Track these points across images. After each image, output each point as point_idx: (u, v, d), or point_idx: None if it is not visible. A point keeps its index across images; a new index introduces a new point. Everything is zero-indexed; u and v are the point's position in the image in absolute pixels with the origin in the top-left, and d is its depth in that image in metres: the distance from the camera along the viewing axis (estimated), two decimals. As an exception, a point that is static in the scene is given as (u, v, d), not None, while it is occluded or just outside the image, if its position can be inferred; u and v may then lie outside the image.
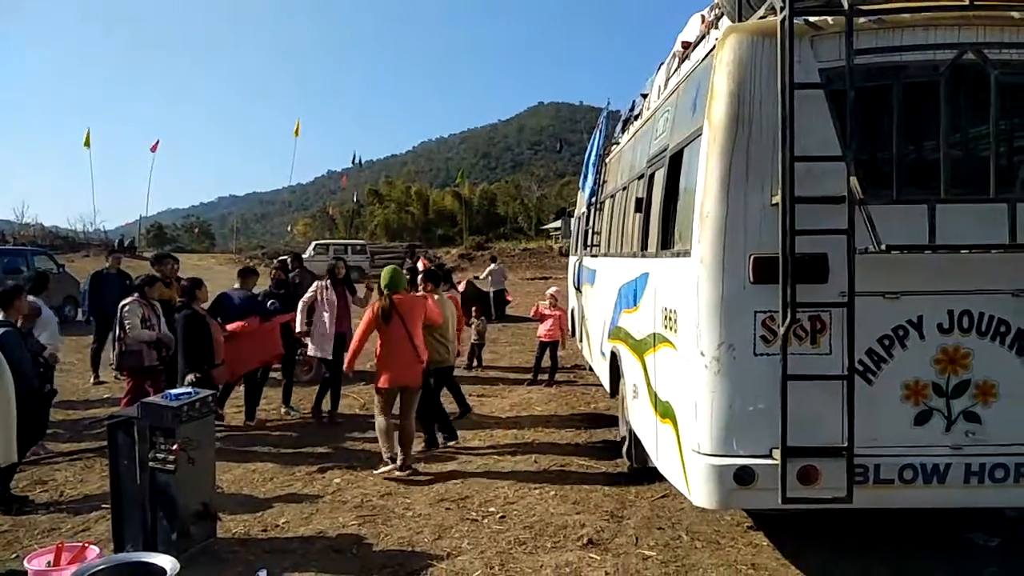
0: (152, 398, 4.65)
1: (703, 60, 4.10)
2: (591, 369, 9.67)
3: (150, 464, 4.24)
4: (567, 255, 14.25)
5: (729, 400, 3.59)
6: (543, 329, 9.84)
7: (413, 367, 5.91)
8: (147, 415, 4.30)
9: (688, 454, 3.78)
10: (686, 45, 5.16)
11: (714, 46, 3.83)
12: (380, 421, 5.92)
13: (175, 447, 4.18)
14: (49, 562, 3.70)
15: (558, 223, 44.05)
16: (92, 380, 9.66)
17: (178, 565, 3.57)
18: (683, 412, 3.91)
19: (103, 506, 5.01)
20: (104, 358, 9.19)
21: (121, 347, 6.61)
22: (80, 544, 3.91)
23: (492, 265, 18.07)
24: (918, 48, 3.54)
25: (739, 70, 3.64)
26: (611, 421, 7.56)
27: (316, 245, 32.84)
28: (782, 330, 3.41)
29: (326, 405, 7.69)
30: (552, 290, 10.34)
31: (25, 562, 3.70)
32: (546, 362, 9.88)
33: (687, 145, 4.22)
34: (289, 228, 65.02)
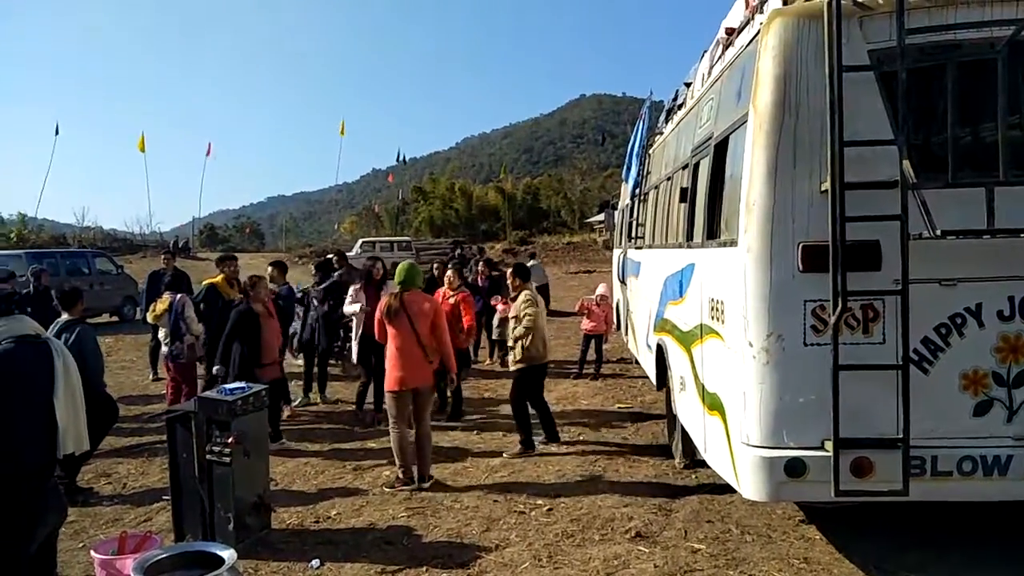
0: (208, 392, 4.79)
1: (748, 45, 4.02)
2: (637, 362, 9.61)
3: (207, 457, 4.38)
4: (610, 248, 14.15)
5: (779, 391, 3.53)
6: (587, 322, 9.81)
7: (422, 368, 5.57)
8: (203, 409, 4.44)
9: (737, 446, 3.74)
10: (730, 31, 5.06)
11: (759, 31, 3.75)
12: (393, 433, 5.56)
13: (231, 440, 4.30)
14: (114, 551, 3.85)
15: (602, 216, 43.83)
16: (151, 377, 9.99)
17: (235, 555, 3.67)
18: (731, 404, 3.86)
19: (164, 498, 5.19)
20: (160, 355, 9.50)
21: (180, 341, 6.81)
22: (143, 534, 4.07)
23: (531, 261, 18.02)
24: (973, 25, 3.42)
25: (785, 54, 3.57)
26: (658, 415, 7.50)
27: (363, 243, 33.28)
28: (833, 319, 3.34)
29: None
30: (602, 289, 10.22)
31: (92, 551, 3.86)
32: (592, 356, 9.85)
33: (732, 132, 4.15)
34: (336, 226, 66.02)
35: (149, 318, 7.22)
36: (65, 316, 5.62)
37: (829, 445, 3.36)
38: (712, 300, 4.28)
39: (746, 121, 3.77)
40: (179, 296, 6.96)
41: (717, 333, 4.16)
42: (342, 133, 47.62)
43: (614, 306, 10.95)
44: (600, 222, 44.37)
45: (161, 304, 6.82)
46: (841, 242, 3.30)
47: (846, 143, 3.29)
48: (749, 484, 3.63)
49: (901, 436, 3.31)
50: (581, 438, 6.81)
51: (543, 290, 17.38)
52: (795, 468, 3.46)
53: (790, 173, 3.54)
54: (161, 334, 7.05)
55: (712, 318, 4.27)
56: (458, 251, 15.06)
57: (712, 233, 4.50)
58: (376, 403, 7.70)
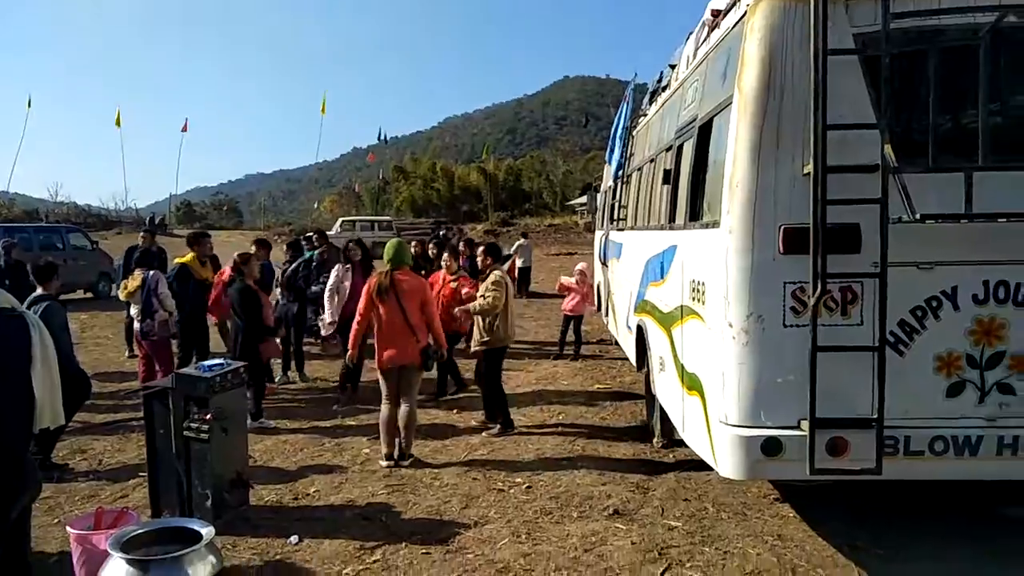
0: (186, 369, 4.74)
1: (734, 27, 4.02)
2: (616, 343, 9.67)
3: (184, 433, 4.34)
4: (593, 230, 14.18)
5: (757, 371, 3.57)
6: (567, 303, 9.85)
7: (410, 345, 5.56)
8: (181, 385, 4.39)
9: (715, 425, 3.78)
10: (716, 13, 5.04)
11: (745, 12, 3.75)
12: (382, 409, 5.61)
13: (208, 416, 4.27)
14: (89, 526, 3.81)
15: (584, 198, 43.79)
16: (126, 354, 9.88)
17: (213, 530, 3.65)
18: (710, 384, 3.89)
19: (140, 474, 5.15)
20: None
21: (151, 318, 6.73)
22: (119, 509, 4.03)
23: (522, 240, 17.97)
24: (957, 11, 3.43)
25: (771, 36, 3.57)
26: (637, 395, 7.57)
27: (343, 221, 33.03)
28: (812, 301, 3.37)
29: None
30: (581, 266, 10.30)
31: (67, 527, 3.82)
32: (571, 337, 9.90)
33: (717, 115, 4.16)
34: (316, 205, 65.40)
35: (121, 295, 7.12)
36: (39, 291, 5.52)
37: (805, 425, 3.41)
38: (693, 281, 4.31)
39: (731, 103, 3.77)
40: (152, 272, 6.86)
41: (698, 314, 4.19)
42: (323, 111, 47.16)
43: (595, 287, 10.99)
44: (582, 204, 44.39)
45: (133, 281, 6.72)
46: (822, 224, 3.32)
47: (829, 126, 3.30)
48: (726, 462, 3.68)
49: (875, 416, 3.37)
50: (560, 418, 6.85)
51: (526, 271, 17.43)
52: (771, 447, 3.51)
53: (773, 155, 3.56)
54: (134, 311, 6.94)
55: (693, 299, 4.29)
56: (441, 231, 14.98)
57: (695, 215, 4.52)
58: (354, 379, 7.70)
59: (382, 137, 69.43)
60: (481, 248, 7.01)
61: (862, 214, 3.43)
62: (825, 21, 3.30)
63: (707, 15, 5.31)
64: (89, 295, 16.47)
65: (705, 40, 5.20)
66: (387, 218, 38.79)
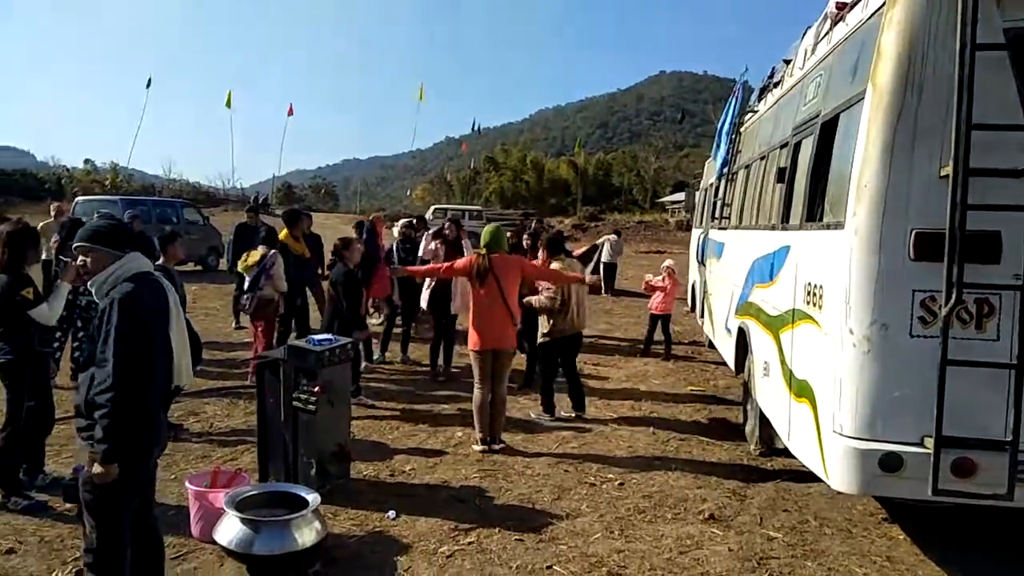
0: (297, 342, 4.94)
1: (868, 19, 3.82)
2: (711, 345, 9.45)
3: (293, 403, 4.52)
4: (686, 229, 13.87)
5: (878, 382, 3.41)
6: (654, 302, 9.71)
7: (506, 329, 5.64)
8: (292, 357, 4.58)
9: (827, 436, 3.63)
10: (841, 6, 4.83)
11: (883, 3, 3.56)
12: (476, 394, 5.66)
13: (317, 388, 4.43)
14: (207, 483, 4.04)
15: (676, 196, 42.94)
16: (233, 325, 10.39)
17: (319, 498, 3.82)
18: (824, 392, 3.74)
19: (248, 439, 5.42)
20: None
21: (253, 293, 7.02)
22: (233, 470, 4.26)
23: (614, 236, 17.73)
24: None
25: (911, 29, 3.38)
26: (731, 400, 7.38)
27: (435, 209, 33.63)
28: (944, 312, 3.18)
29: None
30: (668, 263, 10.13)
31: (187, 482, 4.06)
32: (660, 336, 9.73)
33: (844, 111, 3.97)
34: (408, 192, 66.85)
35: (240, 267, 7.46)
36: (160, 260, 5.86)
37: (929, 442, 3.22)
38: (809, 284, 4.14)
39: (862, 99, 3.60)
40: (272, 251, 7.15)
41: (812, 319, 4.03)
42: (420, 98, 47.96)
43: (689, 287, 10.79)
44: (674, 202, 43.57)
45: (253, 256, 7.04)
46: (960, 231, 3.13)
47: (974, 126, 3.10)
48: (839, 475, 3.53)
49: (1010, 439, 3.15)
50: (652, 417, 6.75)
51: (611, 268, 17.22)
52: (891, 463, 3.34)
53: (908, 155, 3.37)
54: (247, 285, 7.27)
55: (808, 303, 4.13)
56: (534, 223, 15.01)
57: (813, 215, 4.34)
58: (445, 359, 7.86)
59: (476, 128, 70.19)
60: (541, 243, 7.02)
61: (1003, 222, 3.21)
62: (975, 13, 3.10)
63: (830, 8, 5.09)
64: (199, 267, 17.40)
65: (827, 34, 4.99)
66: (478, 207, 39.23)
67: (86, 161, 45.75)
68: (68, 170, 42.97)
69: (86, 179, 39.64)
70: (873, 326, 3.40)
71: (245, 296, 7.17)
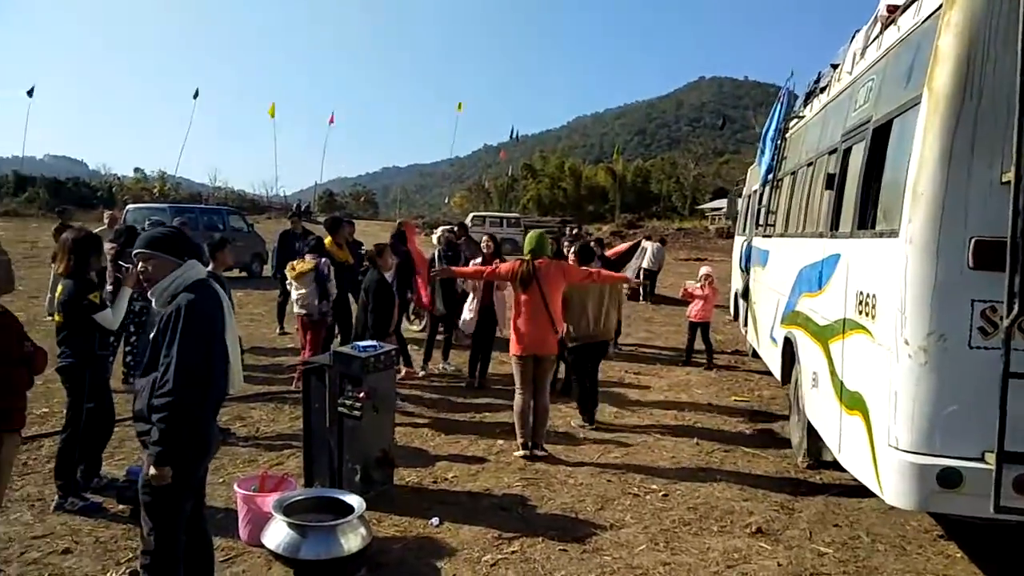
0: (343, 348, 4.99)
1: (924, 22, 3.72)
2: (754, 355, 9.30)
3: (338, 409, 4.56)
4: (727, 236, 13.68)
5: (936, 394, 3.31)
6: (692, 309, 9.59)
7: (548, 335, 5.61)
8: (338, 363, 4.63)
9: (882, 449, 3.53)
10: (892, 9, 4.72)
11: (940, 6, 3.46)
12: (517, 400, 5.66)
13: (362, 395, 4.47)
14: (255, 487, 4.10)
15: (716, 203, 42.45)
16: (277, 331, 10.54)
17: (364, 504, 3.84)
18: (877, 404, 3.64)
19: (293, 444, 5.49)
20: (288, 310, 9.95)
21: (327, 301, 7.10)
22: (280, 475, 4.31)
23: (657, 244, 17.55)
24: None
25: (971, 31, 3.29)
26: (776, 411, 7.24)
27: (473, 217, 33.76)
28: (1006, 322, 3.08)
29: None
30: (706, 270, 10.01)
31: (235, 486, 4.12)
32: (701, 345, 9.61)
33: (898, 116, 3.87)
34: (447, 200, 67.27)
35: (289, 275, 7.54)
36: (211, 267, 5.98)
37: (991, 457, 3.11)
38: (861, 294, 4.04)
39: (917, 104, 3.51)
40: (324, 260, 7.22)
41: (865, 329, 3.93)
42: (459, 108, 48.35)
43: (732, 296, 10.63)
44: (714, 209, 43.09)
45: (305, 265, 7.10)
46: (1023, 238, 3.03)
47: (1039, 131, 2.99)
48: (895, 490, 3.42)
49: (1078, 456, 3.03)
50: (696, 428, 6.66)
51: (650, 275, 17.06)
52: (950, 478, 3.23)
53: (966, 161, 3.28)
54: (294, 293, 7.34)
55: (859, 312, 4.03)
56: (573, 230, 14.97)
57: (864, 223, 4.24)
58: (482, 370, 7.87)
59: (514, 135, 70.35)
60: (572, 251, 6.99)
61: (1069, 230, 3.09)
62: (1039, 15, 3.00)
63: (881, 11, 4.98)
64: (244, 274, 17.74)
65: (877, 38, 4.88)
66: (515, 215, 39.30)
67: (136, 170, 47.28)
68: (119, 178, 44.37)
69: (136, 187, 40.90)
70: (930, 337, 3.31)
71: (322, 304, 7.15)
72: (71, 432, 4.38)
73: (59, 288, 4.45)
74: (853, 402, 4.03)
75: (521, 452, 5.61)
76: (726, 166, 58.95)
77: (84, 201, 35.81)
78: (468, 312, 7.97)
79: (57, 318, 4.43)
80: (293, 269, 7.12)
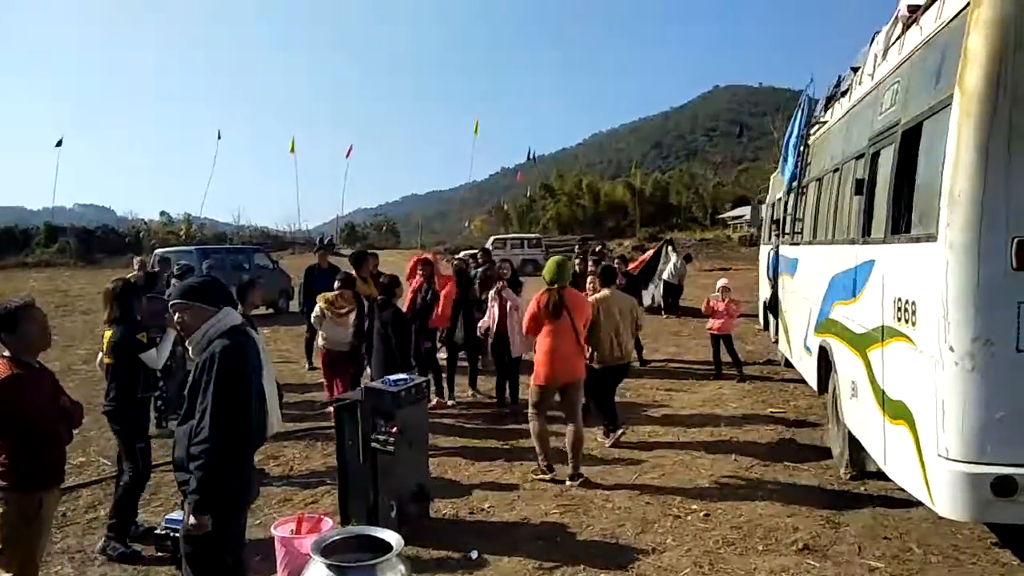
0: (373, 383, 4.96)
1: (951, 20, 3.65)
2: (787, 364, 9.13)
3: (372, 445, 4.53)
4: (751, 245, 13.53)
5: (985, 401, 3.20)
6: (712, 321, 9.47)
7: (577, 362, 5.62)
8: (369, 398, 4.60)
9: (931, 460, 3.41)
10: (913, 9, 4.65)
11: (967, 3, 3.39)
12: (534, 425, 5.60)
13: (394, 429, 4.44)
14: (292, 530, 4.07)
15: (737, 211, 42.12)
16: (307, 367, 10.56)
17: (403, 541, 3.78)
18: (923, 413, 3.53)
19: (327, 481, 5.46)
20: (315, 346, 9.96)
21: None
22: (317, 516, 4.28)
23: (680, 260, 17.34)
24: None
25: (1002, 28, 3.22)
26: (813, 421, 7.08)
27: (494, 240, 33.82)
28: (1055, 324, 2.97)
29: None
30: (722, 282, 9.89)
31: (272, 529, 4.10)
32: (728, 357, 9.45)
33: (928, 118, 3.79)
34: (467, 224, 67.51)
35: (327, 309, 7.54)
36: (240, 308, 5.99)
37: (1049, 464, 3.00)
38: (899, 300, 3.94)
39: (948, 105, 3.43)
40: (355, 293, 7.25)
41: (905, 336, 3.82)
42: (476, 132, 48.70)
43: (761, 306, 10.47)
44: (735, 218, 42.75)
45: (347, 303, 7.12)
46: (1067, 236, 2.93)
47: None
48: (947, 501, 3.31)
49: None
50: (733, 443, 6.53)
51: (675, 289, 16.88)
52: (1005, 487, 3.12)
53: (1003, 160, 3.20)
54: (324, 330, 7.32)
55: (898, 319, 3.93)
56: (598, 247, 14.87)
57: (898, 227, 4.14)
58: (512, 394, 7.80)
59: (531, 156, 70.61)
60: (596, 270, 6.93)
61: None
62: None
63: (902, 11, 4.91)
64: (270, 311, 17.88)
65: (899, 39, 4.80)
66: (535, 236, 39.28)
67: (162, 213, 48.05)
68: (146, 223, 45.13)
69: (163, 231, 41.56)
70: (975, 342, 3.20)
71: (353, 339, 7.14)
72: (132, 473, 4.49)
73: (107, 333, 4.66)
74: (897, 412, 3.91)
75: (549, 475, 5.54)
76: (745, 174, 58.49)
77: (113, 248, 36.47)
78: (483, 323, 8.01)
79: (107, 360, 4.63)
80: (328, 302, 7.09)
